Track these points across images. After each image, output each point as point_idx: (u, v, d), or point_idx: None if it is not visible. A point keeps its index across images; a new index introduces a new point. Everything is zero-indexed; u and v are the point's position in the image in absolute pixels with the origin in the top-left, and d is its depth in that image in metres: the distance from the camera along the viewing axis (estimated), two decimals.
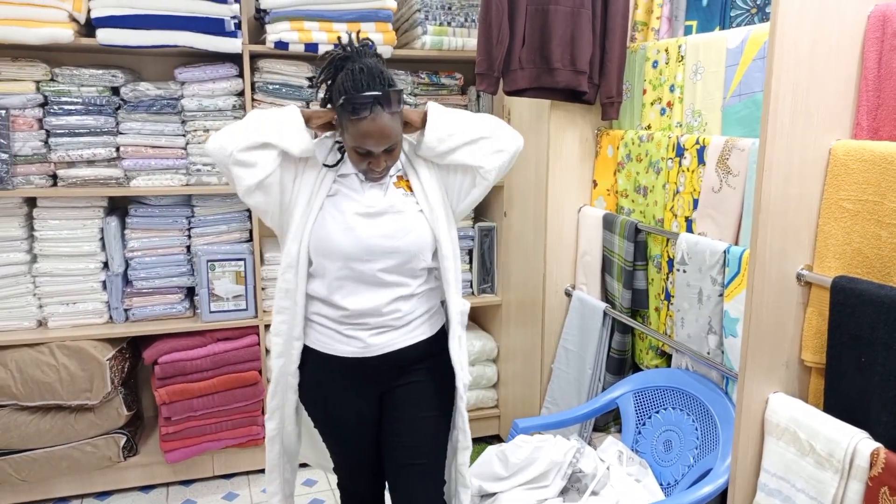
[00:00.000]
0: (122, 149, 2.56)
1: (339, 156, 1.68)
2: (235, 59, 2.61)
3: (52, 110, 2.47)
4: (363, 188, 1.66)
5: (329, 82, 1.62)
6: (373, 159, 1.57)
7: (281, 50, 2.59)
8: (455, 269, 1.70)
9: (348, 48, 1.61)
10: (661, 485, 1.93)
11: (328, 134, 1.72)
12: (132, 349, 2.77)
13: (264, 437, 2.76)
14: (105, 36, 2.39)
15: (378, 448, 1.78)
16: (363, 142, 1.54)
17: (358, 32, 1.71)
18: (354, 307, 1.62)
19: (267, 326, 2.76)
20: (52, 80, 2.48)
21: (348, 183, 1.67)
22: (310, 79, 2.75)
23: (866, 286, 1.40)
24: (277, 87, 2.69)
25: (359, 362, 1.66)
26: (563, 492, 1.95)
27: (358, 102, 1.50)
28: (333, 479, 1.97)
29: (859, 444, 1.36)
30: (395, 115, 1.55)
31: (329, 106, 1.64)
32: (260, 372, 2.76)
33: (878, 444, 1.34)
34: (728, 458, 1.71)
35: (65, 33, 2.33)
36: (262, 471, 2.84)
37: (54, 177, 2.54)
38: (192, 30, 2.45)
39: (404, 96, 1.65)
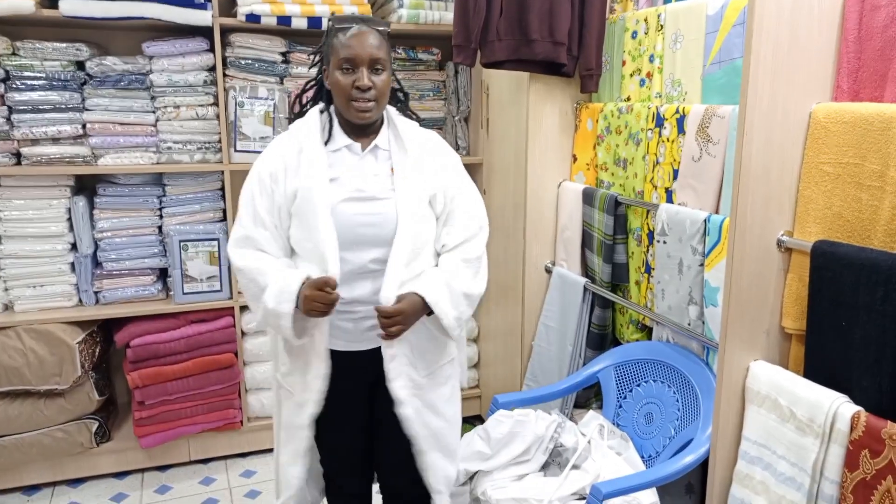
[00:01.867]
0: (88, 126, 2.48)
1: (328, 129, 1.64)
2: (206, 32, 2.54)
3: (13, 85, 2.39)
4: (358, 163, 1.62)
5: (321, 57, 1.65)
6: (358, 78, 1.52)
7: (253, 23, 2.52)
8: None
9: (343, 14, 1.66)
10: (642, 457, 1.92)
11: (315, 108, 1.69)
12: (103, 333, 2.70)
13: (241, 422, 2.75)
14: (68, 7, 2.30)
15: (369, 441, 1.77)
16: (349, 49, 1.51)
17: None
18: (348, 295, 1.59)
19: (242, 307, 2.71)
20: (13, 53, 2.39)
21: (340, 158, 1.62)
22: (283, 53, 2.69)
23: (846, 250, 1.38)
24: (250, 62, 2.62)
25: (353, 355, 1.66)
26: (545, 466, 1.93)
27: (344, 19, 1.55)
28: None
29: (840, 407, 1.35)
30: (381, 38, 1.55)
31: (322, 70, 1.65)
32: (236, 354, 2.70)
33: (858, 408, 1.33)
34: (709, 428, 1.70)
35: (26, 4, 2.24)
36: (240, 455, 2.82)
37: (18, 155, 2.46)
38: (159, 1, 2.37)
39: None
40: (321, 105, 1.67)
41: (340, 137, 1.62)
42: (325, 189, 1.55)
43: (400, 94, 1.76)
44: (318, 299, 1.47)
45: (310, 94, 1.73)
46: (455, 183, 1.67)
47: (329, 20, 1.58)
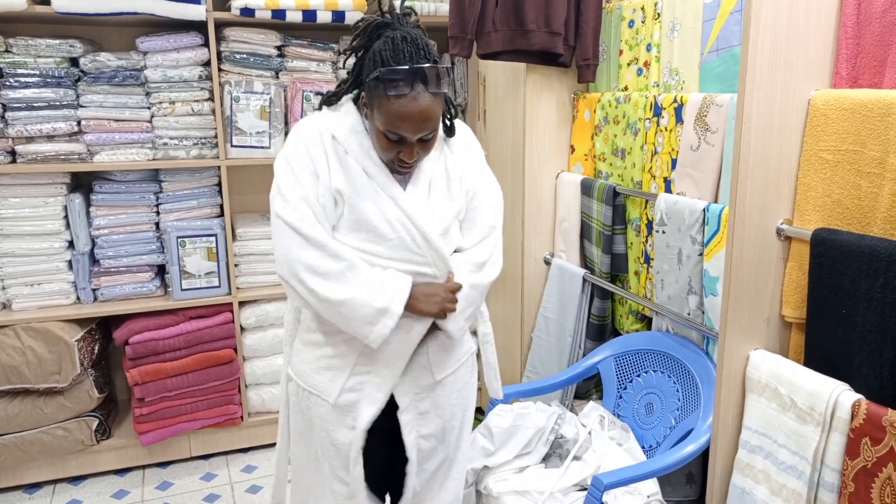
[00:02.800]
0: (83, 122, 2.47)
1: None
2: (200, 27, 2.52)
3: (7, 83, 2.37)
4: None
5: (360, 53, 1.40)
6: (405, 149, 1.34)
7: (247, 17, 2.50)
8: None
9: (387, 15, 1.38)
10: (643, 447, 1.92)
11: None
12: (102, 330, 2.69)
13: (242, 417, 2.75)
14: (61, 3, 2.28)
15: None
16: (398, 125, 1.31)
17: (402, 1, 1.46)
18: None
19: (241, 303, 2.71)
20: (6, 51, 2.38)
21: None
22: (278, 47, 2.67)
23: (846, 237, 1.37)
24: (245, 56, 2.60)
25: None
26: (546, 458, 1.93)
27: (398, 76, 1.28)
28: None
29: (840, 396, 1.34)
30: (438, 96, 1.33)
31: (356, 82, 1.42)
32: (235, 350, 2.70)
33: (859, 396, 1.33)
34: (710, 418, 1.70)
35: (18, 1, 2.22)
36: (241, 450, 2.82)
37: (13, 153, 2.44)
38: None
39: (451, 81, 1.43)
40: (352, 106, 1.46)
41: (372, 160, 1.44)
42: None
43: (449, 114, 1.50)
44: (451, 300, 1.42)
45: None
46: (475, 185, 1.54)
47: (377, 60, 1.32)
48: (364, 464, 1.52)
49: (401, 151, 1.35)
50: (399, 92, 1.29)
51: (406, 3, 1.44)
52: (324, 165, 1.40)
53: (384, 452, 1.58)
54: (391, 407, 1.52)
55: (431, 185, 1.47)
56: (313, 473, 1.59)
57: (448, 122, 1.49)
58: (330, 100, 1.47)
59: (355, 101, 1.45)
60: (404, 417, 1.53)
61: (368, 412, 1.49)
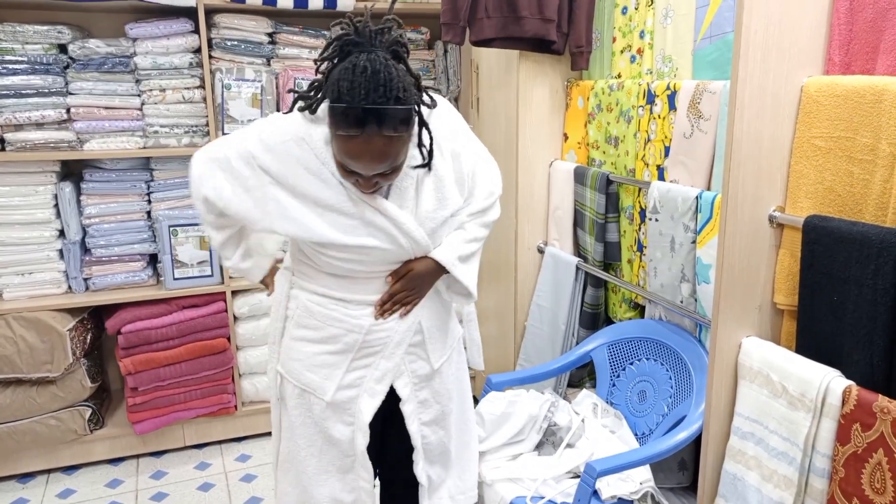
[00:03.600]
0: (72, 110, 2.45)
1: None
2: (190, 13, 2.49)
3: None
4: None
5: (329, 66, 1.30)
6: (362, 180, 1.30)
7: (238, 3, 2.48)
8: None
9: (361, 31, 1.26)
10: (635, 435, 1.93)
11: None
12: (94, 320, 2.68)
13: (236, 407, 2.75)
14: None
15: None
16: (349, 162, 1.26)
17: (390, 12, 1.32)
18: None
19: (234, 292, 2.70)
20: None
21: None
22: (270, 34, 2.65)
23: (838, 224, 1.37)
24: (236, 43, 2.58)
25: None
26: (539, 446, 1.94)
27: (348, 115, 1.20)
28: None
29: (831, 382, 1.35)
30: (395, 139, 1.24)
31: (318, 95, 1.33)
32: (228, 339, 2.69)
33: (850, 382, 1.33)
34: (702, 405, 1.71)
35: None
36: (235, 439, 2.82)
37: (2, 141, 2.42)
38: None
39: (419, 109, 1.33)
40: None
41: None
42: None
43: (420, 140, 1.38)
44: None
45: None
46: (471, 161, 1.52)
47: (332, 90, 1.23)
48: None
49: (358, 181, 1.31)
50: (348, 133, 1.21)
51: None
52: (291, 176, 1.35)
53: (375, 442, 1.58)
54: (390, 399, 1.54)
55: (419, 192, 1.42)
56: (295, 472, 1.58)
57: (425, 152, 1.39)
58: (308, 107, 1.35)
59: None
60: (406, 408, 1.55)
61: (370, 405, 1.51)
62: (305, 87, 1.41)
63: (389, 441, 1.63)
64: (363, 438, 1.52)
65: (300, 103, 1.36)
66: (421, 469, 1.61)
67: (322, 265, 1.45)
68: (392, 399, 1.55)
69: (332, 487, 1.57)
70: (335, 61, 1.28)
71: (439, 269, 1.49)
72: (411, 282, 1.47)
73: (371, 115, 1.20)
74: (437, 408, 1.59)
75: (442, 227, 1.48)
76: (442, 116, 1.46)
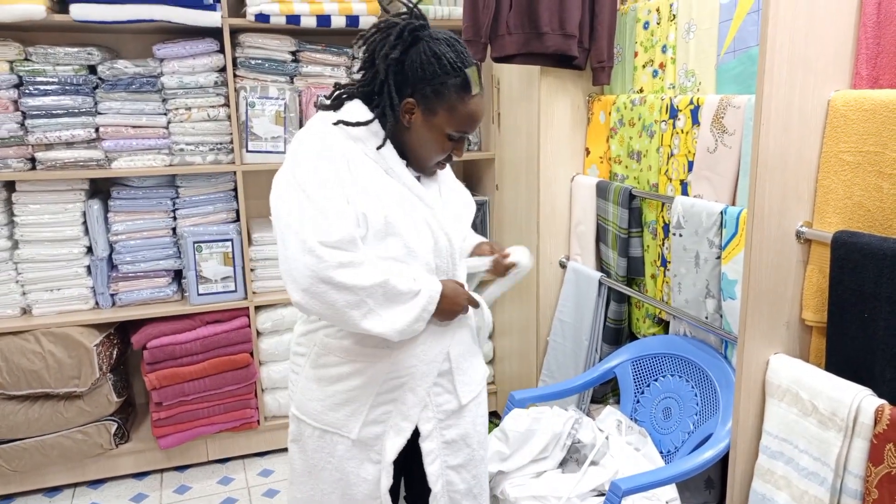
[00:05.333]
0: (101, 129, 2.50)
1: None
2: (215, 33, 2.54)
3: (27, 91, 2.40)
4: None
5: (393, 64, 1.33)
6: (459, 146, 1.41)
7: (262, 23, 2.52)
8: None
9: (421, 15, 1.36)
10: (661, 452, 1.90)
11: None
12: (120, 335, 2.72)
13: (258, 422, 2.76)
14: (79, 11, 2.31)
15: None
16: (469, 123, 1.36)
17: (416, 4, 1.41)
18: None
19: (257, 307, 2.72)
20: (26, 59, 2.41)
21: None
22: (293, 52, 2.68)
23: (868, 240, 1.35)
24: (260, 62, 2.62)
25: None
26: (563, 463, 1.92)
27: (477, 76, 1.33)
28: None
29: (863, 401, 1.32)
30: None
31: (399, 86, 1.35)
32: (251, 354, 2.71)
33: (882, 401, 1.30)
34: (729, 423, 1.68)
35: (37, 9, 2.25)
36: (258, 454, 2.83)
37: (33, 160, 2.48)
38: (168, 3, 2.37)
39: None
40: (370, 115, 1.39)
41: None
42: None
43: None
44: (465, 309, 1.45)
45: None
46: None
47: (442, 63, 1.30)
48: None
49: (456, 149, 1.41)
50: (475, 92, 1.34)
51: (420, 6, 1.40)
52: (349, 177, 1.34)
53: (394, 483, 1.52)
54: (412, 435, 1.46)
55: (445, 200, 1.50)
56: None
57: None
58: (351, 97, 1.40)
59: (374, 104, 1.39)
60: (426, 445, 1.47)
61: (395, 443, 1.44)
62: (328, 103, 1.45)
63: (412, 482, 1.56)
64: (387, 479, 1.45)
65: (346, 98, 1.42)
66: None
67: None
68: (413, 436, 1.47)
69: None
70: (407, 46, 1.33)
71: None
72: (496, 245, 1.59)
73: (479, 78, 1.35)
74: (467, 452, 1.51)
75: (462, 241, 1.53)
76: None
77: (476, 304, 1.48)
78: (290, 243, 1.29)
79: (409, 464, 1.53)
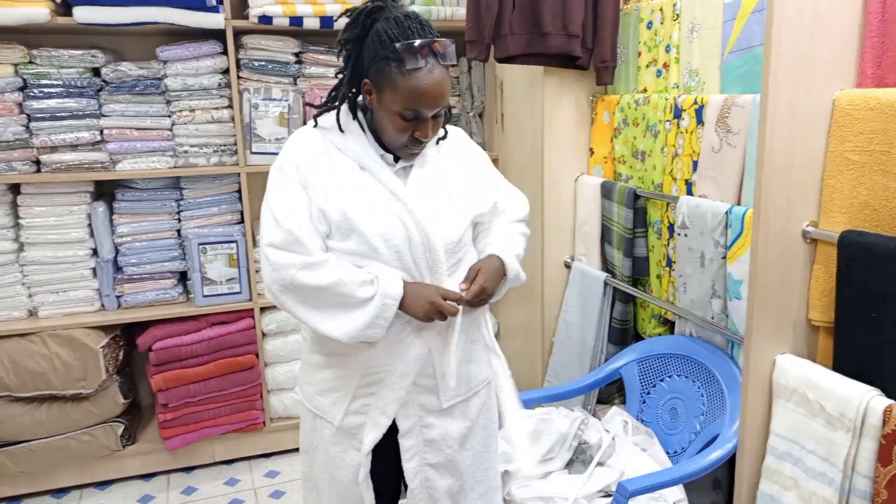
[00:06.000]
0: (105, 132, 2.50)
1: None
2: (219, 35, 2.54)
3: (31, 94, 2.41)
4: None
5: (354, 46, 1.36)
6: (420, 126, 1.33)
7: (265, 24, 2.52)
8: None
9: (381, 0, 1.35)
10: (667, 453, 1.90)
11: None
12: (126, 336, 2.72)
13: (264, 423, 2.77)
14: (82, 14, 2.31)
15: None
16: (416, 100, 1.29)
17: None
18: None
19: (262, 309, 2.72)
20: (30, 62, 2.41)
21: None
22: (296, 54, 2.68)
23: (875, 239, 1.35)
24: (263, 63, 2.62)
25: None
26: (569, 464, 1.92)
27: (413, 49, 1.26)
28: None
29: (871, 401, 1.32)
30: (449, 71, 1.33)
31: (353, 75, 1.38)
32: (257, 355, 2.72)
33: (890, 401, 1.30)
34: (736, 423, 1.68)
35: (41, 12, 2.25)
36: (264, 455, 2.83)
37: (38, 162, 2.48)
38: (172, 5, 2.38)
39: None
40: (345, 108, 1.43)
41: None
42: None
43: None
44: (445, 310, 1.35)
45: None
46: (490, 179, 1.59)
47: (383, 41, 1.29)
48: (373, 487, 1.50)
49: (416, 130, 1.34)
50: (416, 65, 1.27)
51: (422, 7, 1.40)
52: (313, 173, 1.37)
53: (394, 476, 1.55)
54: (393, 431, 1.48)
55: (433, 191, 1.43)
56: (315, 493, 1.57)
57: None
58: (328, 107, 1.43)
59: (349, 100, 1.41)
60: (405, 442, 1.48)
61: (371, 436, 1.46)
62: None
63: (382, 472, 1.54)
64: (364, 468, 1.48)
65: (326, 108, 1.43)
66: None
67: None
68: (391, 431, 1.48)
69: None
70: (364, 30, 1.33)
71: (501, 270, 1.47)
72: (489, 278, 1.42)
73: (430, 47, 1.29)
74: (448, 453, 1.51)
75: (459, 245, 1.46)
76: (464, 138, 1.57)
77: (454, 312, 1.37)
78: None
79: (377, 457, 1.54)
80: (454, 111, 2.97)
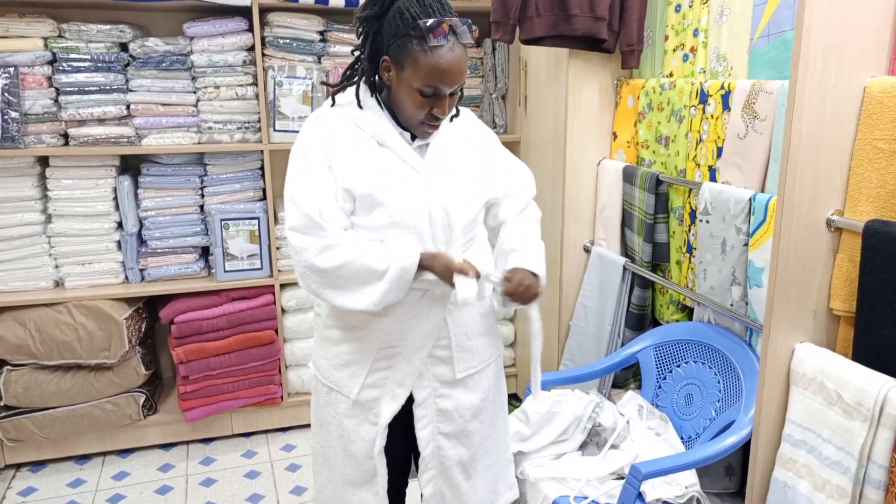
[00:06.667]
0: (132, 107, 2.53)
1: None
2: (245, 12, 2.55)
3: (60, 67, 2.44)
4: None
5: (372, 23, 1.36)
6: (439, 102, 1.35)
7: (291, 2, 2.52)
8: None
9: None
10: (681, 438, 1.91)
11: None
12: (149, 309, 2.77)
13: (282, 397, 2.81)
14: None
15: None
16: (436, 77, 1.31)
17: None
18: None
19: (283, 285, 2.76)
20: (59, 36, 2.44)
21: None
22: (321, 32, 2.69)
23: None
24: (288, 41, 2.63)
25: None
26: (583, 446, 1.93)
27: (436, 27, 1.28)
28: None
29: (890, 391, 1.31)
30: (467, 50, 1.35)
31: (373, 50, 1.38)
32: (276, 331, 2.75)
33: None
34: (752, 410, 1.68)
35: None
36: (281, 429, 2.88)
37: (66, 136, 2.52)
38: None
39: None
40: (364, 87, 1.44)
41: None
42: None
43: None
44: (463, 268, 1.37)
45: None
46: (501, 160, 1.61)
47: (405, 17, 1.31)
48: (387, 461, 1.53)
49: (434, 107, 1.36)
50: (438, 43, 1.29)
51: None
52: (337, 152, 1.39)
53: (403, 447, 1.59)
54: (408, 401, 1.52)
55: (450, 169, 1.46)
56: (328, 468, 1.60)
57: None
58: (346, 84, 1.46)
59: (367, 77, 1.42)
60: (419, 412, 1.52)
61: (390, 408, 1.50)
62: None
63: (393, 443, 1.56)
64: (381, 441, 1.52)
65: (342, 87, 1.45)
66: (428, 480, 1.56)
67: None
68: (409, 402, 1.52)
69: (362, 490, 1.56)
70: (384, 7, 1.34)
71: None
72: (526, 278, 1.44)
73: (452, 29, 1.31)
74: (459, 422, 1.54)
75: (477, 218, 1.50)
76: (474, 120, 1.58)
77: (471, 272, 1.37)
78: None
79: (401, 428, 1.57)
80: (477, 92, 2.97)
